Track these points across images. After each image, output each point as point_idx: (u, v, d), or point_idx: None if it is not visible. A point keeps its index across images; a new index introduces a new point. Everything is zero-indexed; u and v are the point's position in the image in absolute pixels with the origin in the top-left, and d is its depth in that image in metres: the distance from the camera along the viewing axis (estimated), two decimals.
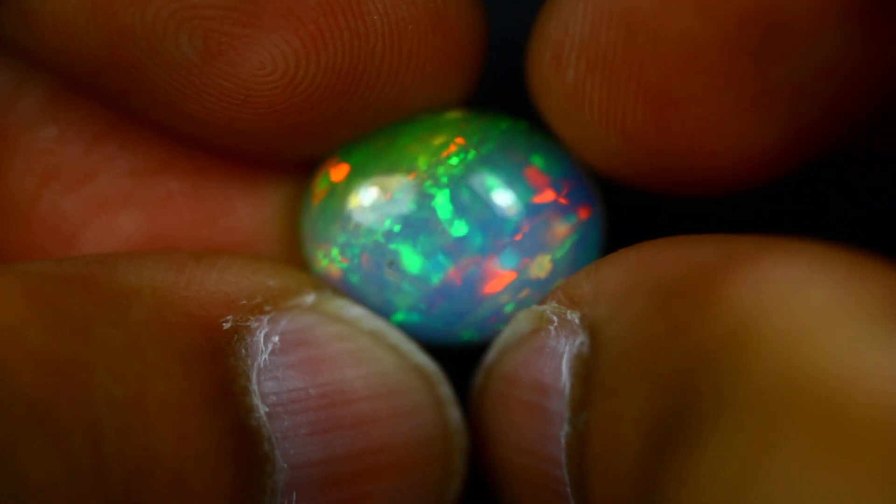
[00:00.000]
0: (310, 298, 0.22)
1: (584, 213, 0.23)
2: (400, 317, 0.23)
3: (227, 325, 0.21)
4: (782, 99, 0.20)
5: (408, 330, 0.23)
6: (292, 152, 0.23)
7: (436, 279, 0.22)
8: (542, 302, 0.22)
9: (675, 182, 0.22)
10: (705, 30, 0.20)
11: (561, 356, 0.21)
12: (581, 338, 0.21)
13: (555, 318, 0.21)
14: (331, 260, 0.23)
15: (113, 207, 0.24)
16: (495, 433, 0.22)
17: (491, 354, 0.23)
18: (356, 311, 0.22)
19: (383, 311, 0.23)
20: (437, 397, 0.22)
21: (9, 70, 0.24)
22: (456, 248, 0.22)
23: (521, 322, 0.22)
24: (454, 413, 0.22)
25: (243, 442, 0.20)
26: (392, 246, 0.22)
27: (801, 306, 0.17)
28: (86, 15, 0.21)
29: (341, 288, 0.23)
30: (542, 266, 0.22)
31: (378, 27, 0.22)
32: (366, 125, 0.23)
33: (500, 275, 0.22)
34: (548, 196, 0.22)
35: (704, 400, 0.17)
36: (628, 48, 0.21)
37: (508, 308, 0.23)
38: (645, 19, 0.20)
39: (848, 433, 0.15)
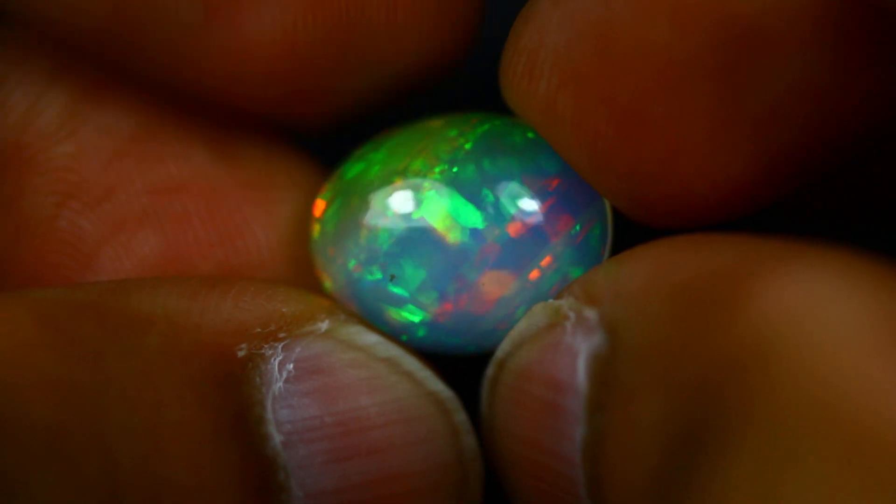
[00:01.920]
0: (324, 325, 0.22)
1: (586, 207, 0.23)
2: (409, 331, 0.22)
3: (241, 353, 0.21)
4: (756, 123, 0.20)
5: (419, 343, 0.23)
6: (293, 121, 0.23)
7: (441, 289, 0.22)
8: (557, 296, 0.22)
9: (650, 210, 0.21)
10: (680, 45, 0.19)
11: (577, 354, 0.20)
12: (599, 337, 0.20)
13: (571, 315, 0.21)
14: (335, 280, 0.23)
15: (130, 226, 0.24)
16: (506, 427, 0.22)
17: (504, 346, 0.22)
18: (370, 338, 0.22)
19: (392, 328, 0.23)
20: (453, 424, 0.22)
21: (25, 87, 0.24)
22: (458, 256, 0.22)
23: (537, 315, 0.22)
24: (470, 440, 0.22)
25: (258, 471, 0.20)
26: (393, 261, 0.22)
27: (828, 323, 0.16)
28: None
29: (349, 307, 0.23)
30: (547, 265, 0.22)
31: None
32: (363, 90, 0.23)
33: (506, 278, 0.22)
34: (548, 194, 0.22)
35: (726, 414, 0.17)
36: (602, 62, 0.20)
37: (518, 312, 0.22)
38: (620, 32, 0.20)
39: (872, 460, 0.15)
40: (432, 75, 0.24)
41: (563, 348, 0.21)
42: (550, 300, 0.22)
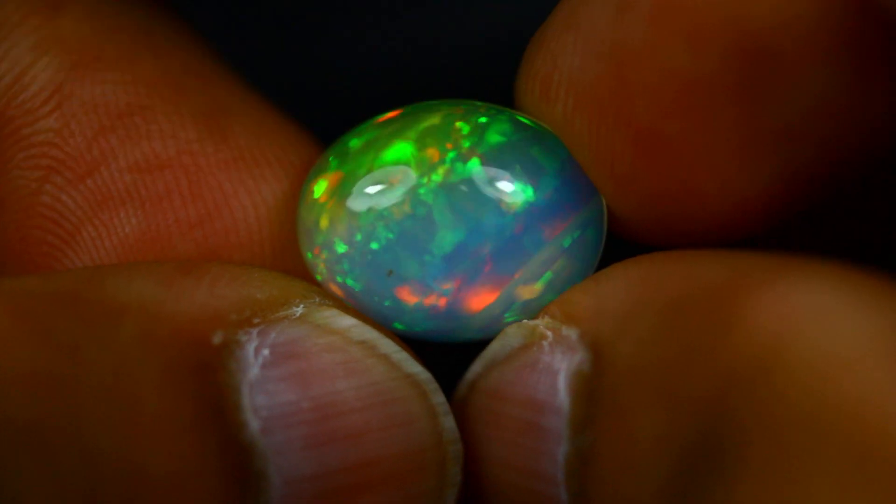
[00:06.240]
0: (298, 309, 0.22)
1: (584, 205, 0.23)
2: (401, 324, 0.22)
3: (216, 340, 0.21)
4: (773, 142, 0.20)
5: (411, 335, 0.23)
6: None
7: (436, 285, 0.22)
8: (533, 317, 0.22)
9: (666, 231, 0.22)
10: (697, 66, 0.19)
11: (556, 373, 0.21)
12: (581, 354, 0.20)
13: (549, 334, 0.21)
14: (329, 270, 0.23)
15: (112, 204, 0.24)
16: (480, 448, 0.22)
17: (475, 368, 0.22)
18: (346, 322, 0.22)
19: (384, 320, 0.22)
20: (431, 406, 0.22)
21: (11, 59, 0.24)
22: (455, 252, 0.22)
23: (511, 336, 0.22)
24: (448, 422, 0.22)
25: (236, 459, 0.20)
26: (389, 254, 0.22)
27: (829, 332, 0.16)
28: None
29: (341, 298, 0.23)
30: (545, 262, 0.22)
31: None
32: None
33: (502, 275, 0.22)
34: (547, 191, 0.22)
35: (736, 427, 0.17)
36: (618, 84, 0.20)
37: (514, 306, 0.22)
38: (635, 54, 0.20)
39: (884, 468, 0.15)
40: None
41: (541, 367, 0.21)
42: (525, 320, 0.22)
